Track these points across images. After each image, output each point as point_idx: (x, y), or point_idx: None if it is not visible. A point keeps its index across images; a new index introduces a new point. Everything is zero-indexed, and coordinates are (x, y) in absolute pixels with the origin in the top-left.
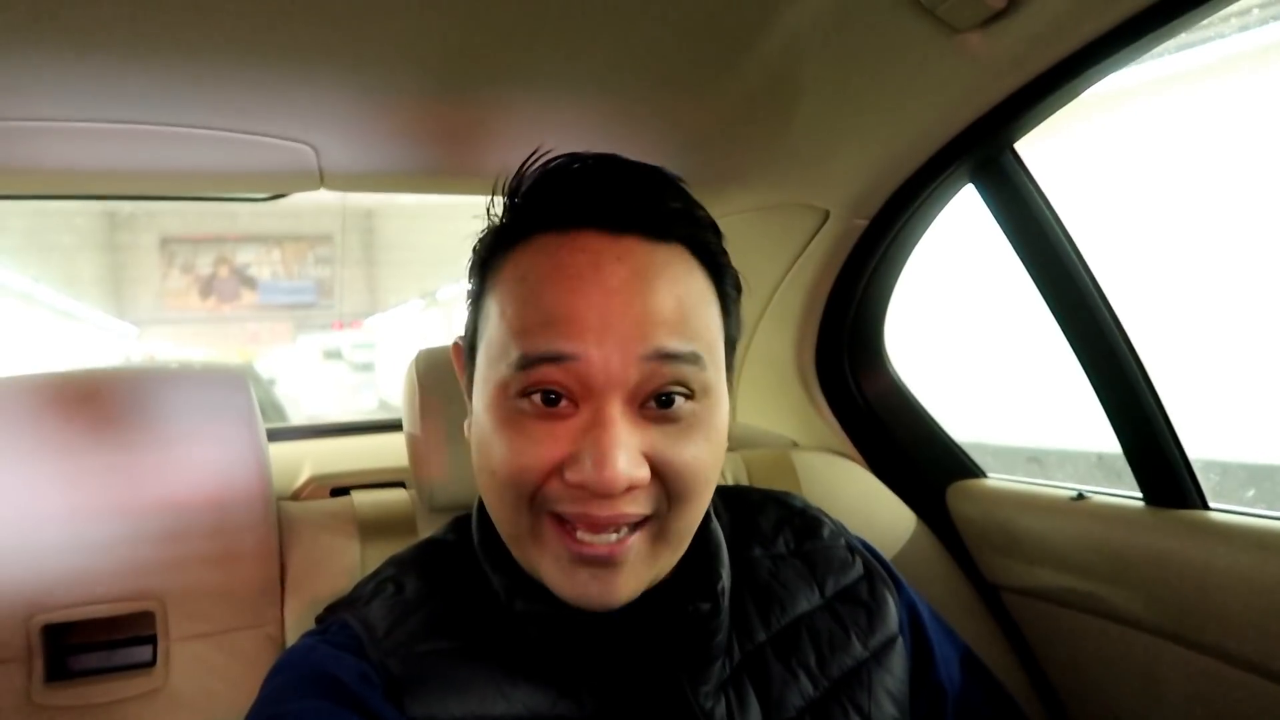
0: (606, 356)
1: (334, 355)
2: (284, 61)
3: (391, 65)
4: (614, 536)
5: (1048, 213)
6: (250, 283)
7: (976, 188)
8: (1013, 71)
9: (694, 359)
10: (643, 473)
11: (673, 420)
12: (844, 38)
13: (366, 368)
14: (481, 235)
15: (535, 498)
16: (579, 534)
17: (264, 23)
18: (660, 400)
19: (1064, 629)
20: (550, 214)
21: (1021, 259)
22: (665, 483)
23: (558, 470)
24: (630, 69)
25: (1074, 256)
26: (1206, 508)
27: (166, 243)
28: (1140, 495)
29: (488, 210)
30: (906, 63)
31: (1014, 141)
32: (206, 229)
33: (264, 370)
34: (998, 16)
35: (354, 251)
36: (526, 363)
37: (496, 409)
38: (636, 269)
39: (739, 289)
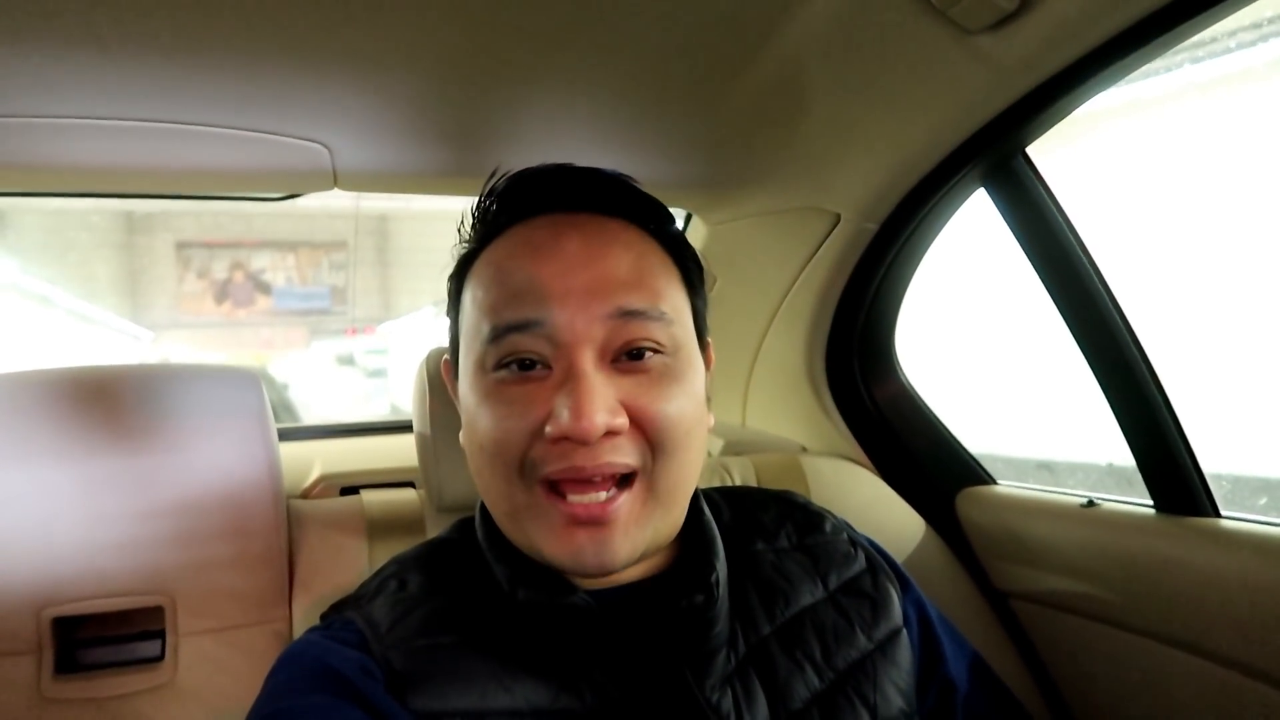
0: (570, 318)
1: (347, 361)
2: (298, 60)
3: (406, 65)
4: (603, 495)
5: (1060, 218)
6: (265, 288)
7: (988, 192)
8: (1024, 74)
9: (658, 315)
10: (620, 419)
11: (645, 371)
12: (855, 40)
13: (379, 374)
14: (456, 254)
15: (524, 465)
16: (570, 496)
17: (279, 21)
18: (631, 354)
19: (1073, 636)
20: (512, 208)
21: (1033, 264)
22: (645, 432)
23: (540, 431)
24: (643, 72)
25: (1086, 262)
26: (1218, 515)
27: (182, 247)
28: (1151, 503)
29: (458, 230)
30: (918, 65)
31: (1026, 145)
32: (222, 234)
33: (278, 375)
34: (1009, 19)
35: (368, 258)
36: (496, 334)
37: (477, 385)
38: (592, 236)
39: (699, 265)
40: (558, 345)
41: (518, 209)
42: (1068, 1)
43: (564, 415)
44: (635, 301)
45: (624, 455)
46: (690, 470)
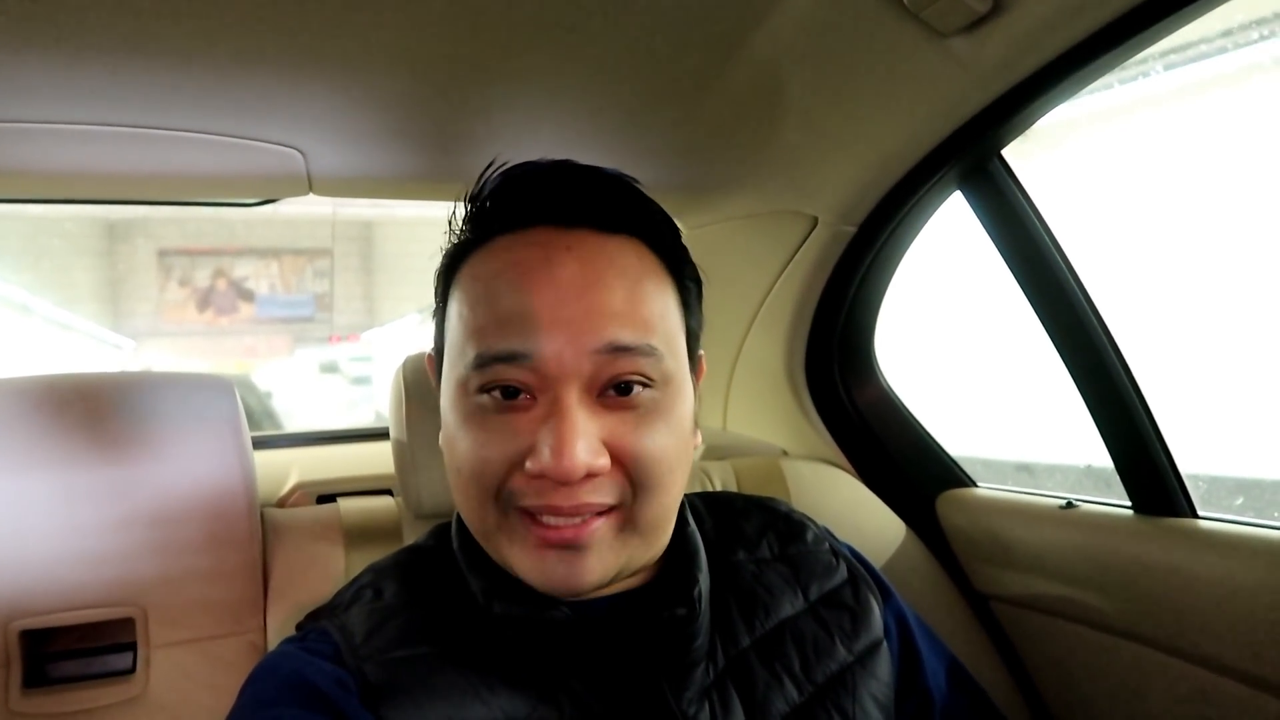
0: (559, 351)
1: (331, 369)
2: (272, 65)
3: (380, 70)
4: (578, 520)
5: (1036, 220)
6: (248, 296)
7: (964, 194)
8: (998, 76)
9: (648, 351)
10: (602, 460)
11: (631, 408)
12: (829, 43)
13: (363, 381)
14: (445, 250)
15: (501, 493)
16: (545, 518)
17: (252, 26)
18: (619, 388)
19: (1053, 638)
20: (505, 215)
21: (1009, 266)
22: (627, 470)
23: (519, 463)
24: (617, 76)
25: (1062, 264)
26: (1196, 516)
27: (164, 255)
28: (1129, 504)
29: (449, 223)
30: (892, 68)
31: (1001, 147)
32: (204, 241)
33: (261, 383)
34: (982, 21)
35: (352, 264)
36: (482, 362)
37: (458, 406)
38: (586, 261)
39: (699, 282)
40: (544, 378)
41: (511, 218)
42: (1041, 4)
43: (545, 453)
44: (626, 336)
45: (603, 495)
46: (671, 504)
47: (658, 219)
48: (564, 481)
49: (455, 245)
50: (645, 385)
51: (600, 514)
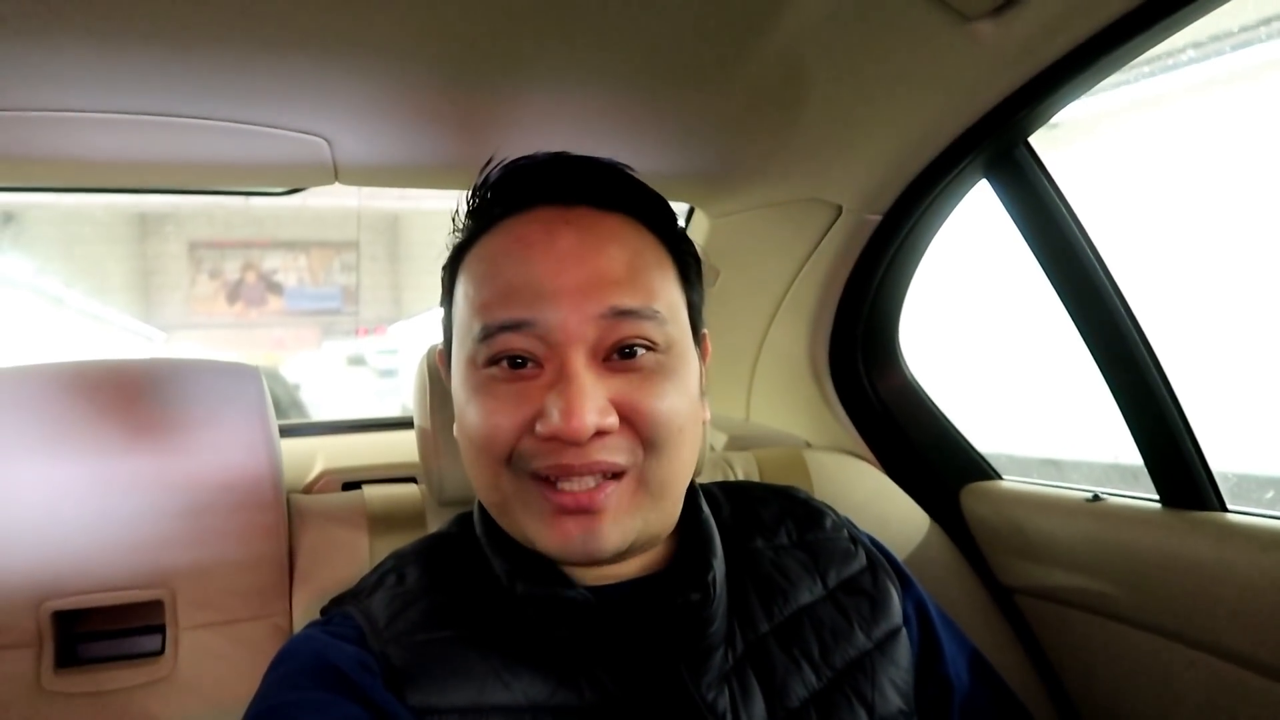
0: (563, 318)
1: (358, 361)
2: (297, 51)
3: (405, 57)
4: (592, 482)
5: (1063, 209)
6: (277, 288)
7: (990, 182)
8: (1025, 61)
9: (650, 314)
10: (610, 419)
11: (637, 369)
12: (853, 28)
13: (390, 374)
14: (451, 247)
15: (512, 459)
16: (559, 483)
17: (277, 11)
18: (623, 352)
19: (1078, 632)
20: (506, 199)
21: (1037, 256)
22: (636, 429)
23: (529, 428)
24: (642, 62)
25: (1091, 254)
26: (1224, 509)
27: (195, 248)
28: (1157, 497)
29: (453, 220)
30: (917, 53)
31: (1028, 134)
32: (234, 234)
33: (290, 375)
34: (1009, 4)
35: (380, 253)
36: (488, 333)
37: (468, 381)
38: (586, 232)
39: (698, 259)
40: (549, 345)
41: (512, 201)
42: None
43: (554, 415)
44: (628, 300)
45: (614, 454)
46: (683, 466)
47: (652, 198)
48: (574, 442)
49: (459, 241)
50: (649, 349)
51: (613, 478)
